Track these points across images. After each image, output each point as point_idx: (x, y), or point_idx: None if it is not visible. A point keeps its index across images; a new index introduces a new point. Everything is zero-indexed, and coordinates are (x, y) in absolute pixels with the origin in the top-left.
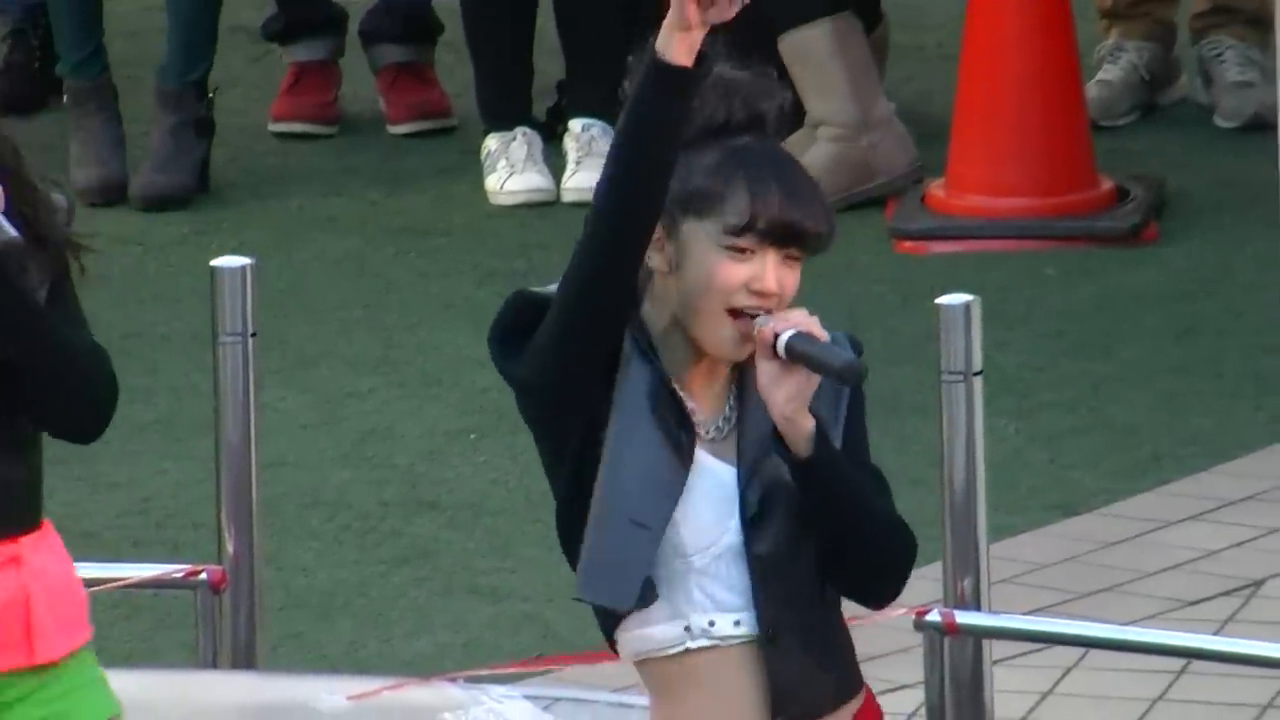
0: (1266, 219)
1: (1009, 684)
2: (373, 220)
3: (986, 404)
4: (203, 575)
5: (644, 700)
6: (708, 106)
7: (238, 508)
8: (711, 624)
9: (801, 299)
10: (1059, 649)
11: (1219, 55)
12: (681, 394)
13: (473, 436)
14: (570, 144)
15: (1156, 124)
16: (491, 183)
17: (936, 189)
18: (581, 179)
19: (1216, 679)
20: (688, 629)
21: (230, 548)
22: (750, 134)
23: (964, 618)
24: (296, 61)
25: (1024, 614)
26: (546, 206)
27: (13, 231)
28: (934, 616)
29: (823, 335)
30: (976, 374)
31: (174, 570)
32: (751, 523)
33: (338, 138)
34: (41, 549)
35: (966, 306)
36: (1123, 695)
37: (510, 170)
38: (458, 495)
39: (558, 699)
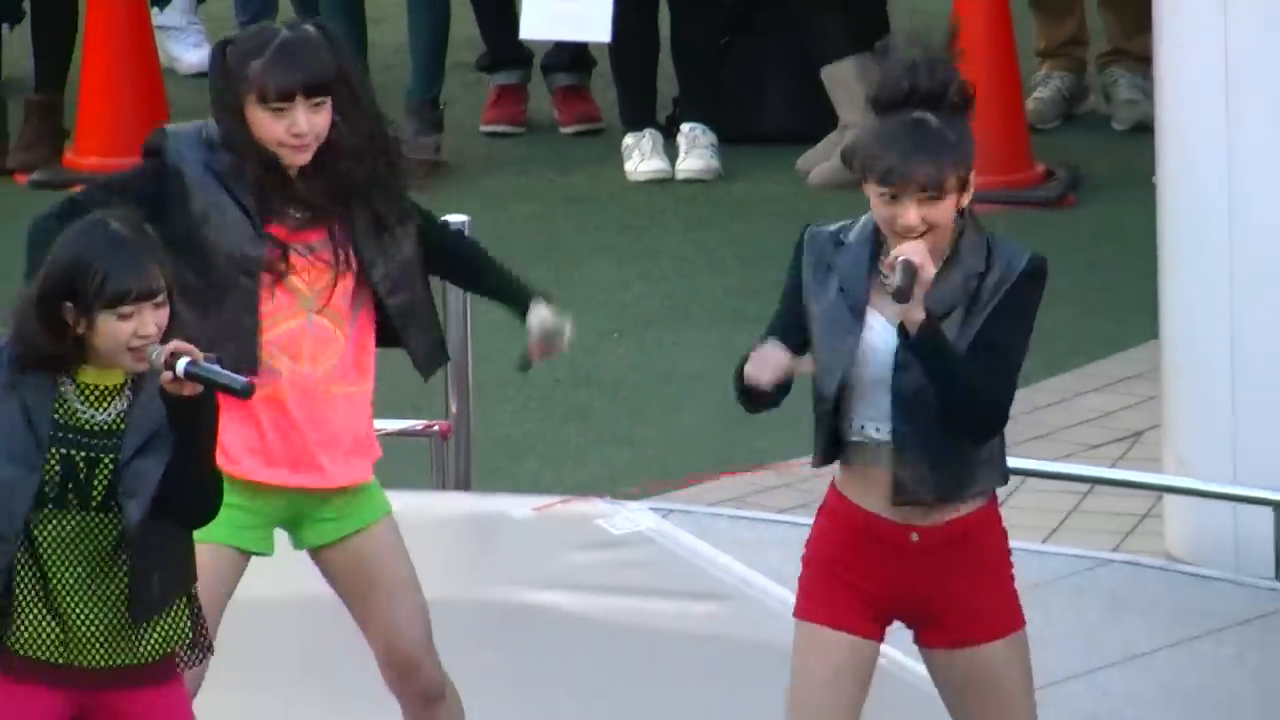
0: (1146, 191)
1: None
2: (549, 192)
3: None
4: (435, 428)
5: (732, 511)
6: (890, 80)
7: (459, 382)
8: (862, 427)
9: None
10: None
11: (1116, 81)
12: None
13: (615, 335)
14: (681, 140)
15: (1073, 128)
16: (629, 167)
17: None
18: (689, 165)
19: (1112, 497)
20: (861, 428)
21: (454, 409)
22: (926, 107)
23: None
24: (498, 85)
25: None
26: (665, 182)
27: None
28: None
29: (918, 260)
30: None
31: (416, 424)
32: (897, 367)
33: (526, 135)
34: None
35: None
36: (1050, 509)
37: (641, 158)
38: (605, 375)
39: (671, 510)
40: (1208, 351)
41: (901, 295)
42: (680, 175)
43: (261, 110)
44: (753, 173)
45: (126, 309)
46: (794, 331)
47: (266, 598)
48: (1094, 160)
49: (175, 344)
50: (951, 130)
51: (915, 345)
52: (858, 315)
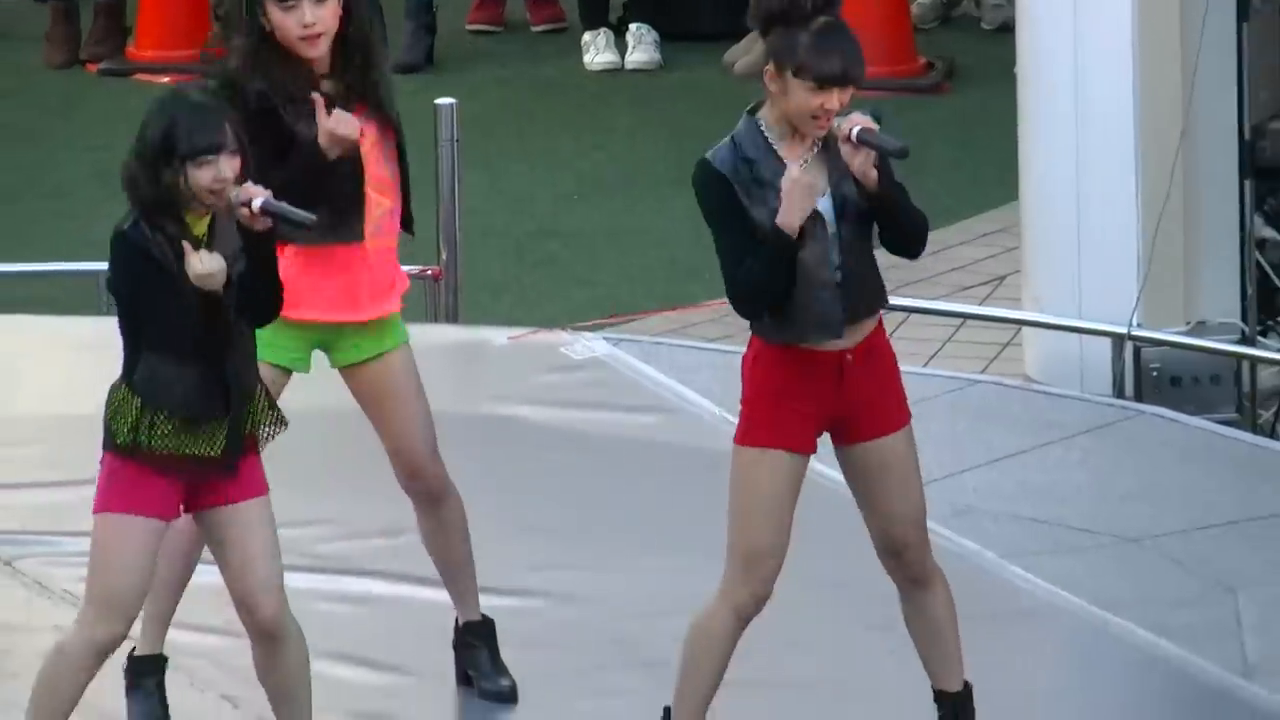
0: (1008, 79)
1: None
2: (522, 79)
3: None
4: (429, 271)
5: (671, 340)
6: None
7: (449, 234)
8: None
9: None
10: (894, 314)
11: None
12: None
13: (575, 196)
14: (629, 38)
15: (950, 28)
16: (587, 59)
17: None
18: (636, 57)
19: (980, 329)
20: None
21: (444, 256)
22: (825, 13)
23: None
24: None
25: None
26: (615, 72)
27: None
28: None
29: (875, 128)
30: None
31: (414, 269)
32: (839, 220)
33: (504, 33)
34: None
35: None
36: (929, 339)
37: (597, 52)
38: (568, 228)
39: (621, 340)
40: (1058, 210)
41: (903, 153)
42: (629, 66)
43: (277, 10)
44: (688, 65)
45: (208, 159)
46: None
47: (305, 408)
48: (966, 55)
49: (248, 186)
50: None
51: (890, 190)
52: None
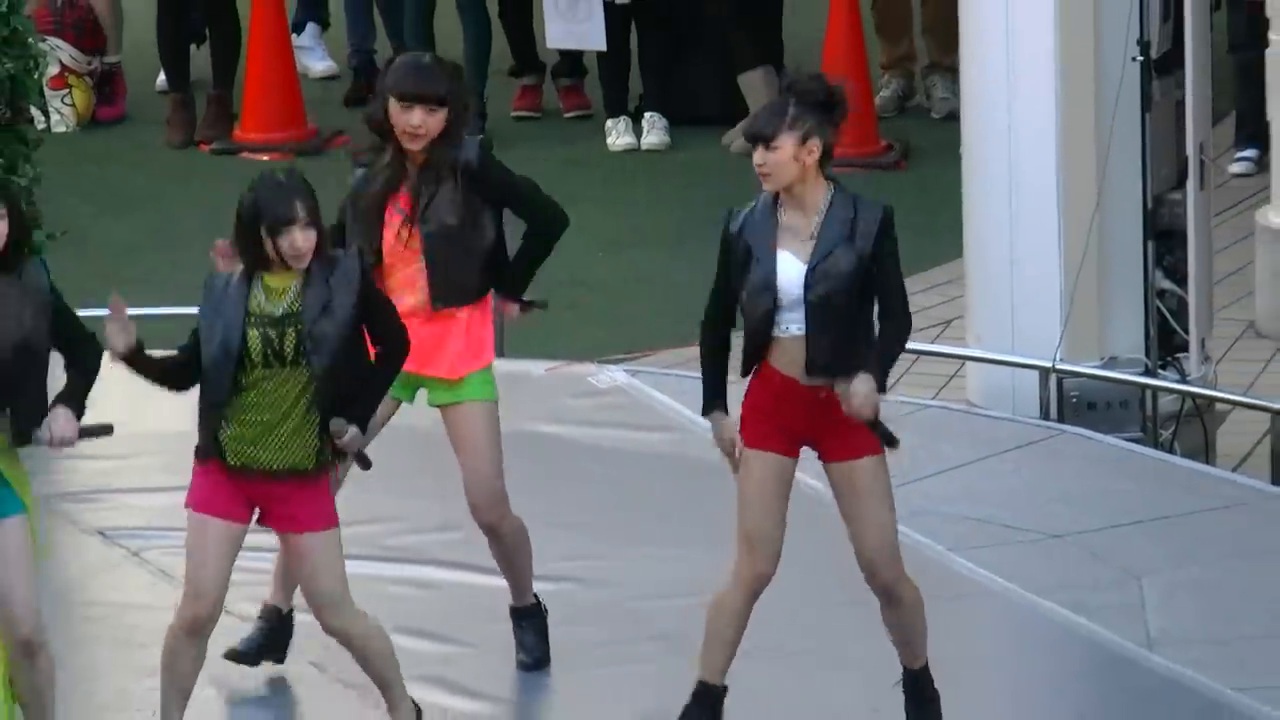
0: (954, 159)
1: None
2: (556, 157)
3: None
4: None
5: (679, 371)
6: (794, 84)
7: None
8: (785, 328)
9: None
10: None
11: (934, 85)
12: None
13: (600, 253)
14: (645, 124)
15: (905, 116)
16: (609, 141)
17: None
18: (650, 140)
19: (931, 363)
20: (785, 328)
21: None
22: (793, 95)
23: None
24: (522, 84)
25: None
26: (634, 152)
27: None
28: None
29: (878, 411)
30: None
31: None
32: (808, 289)
33: (541, 119)
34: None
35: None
36: (891, 372)
37: (618, 135)
38: (594, 279)
39: (638, 371)
40: (995, 265)
41: (892, 441)
42: (644, 147)
43: (395, 105)
44: (692, 145)
45: (284, 228)
46: (731, 293)
47: (406, 425)
48: (919, 138)
49: (344, 427)
50: (797, 108)
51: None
52: (771, 274)
